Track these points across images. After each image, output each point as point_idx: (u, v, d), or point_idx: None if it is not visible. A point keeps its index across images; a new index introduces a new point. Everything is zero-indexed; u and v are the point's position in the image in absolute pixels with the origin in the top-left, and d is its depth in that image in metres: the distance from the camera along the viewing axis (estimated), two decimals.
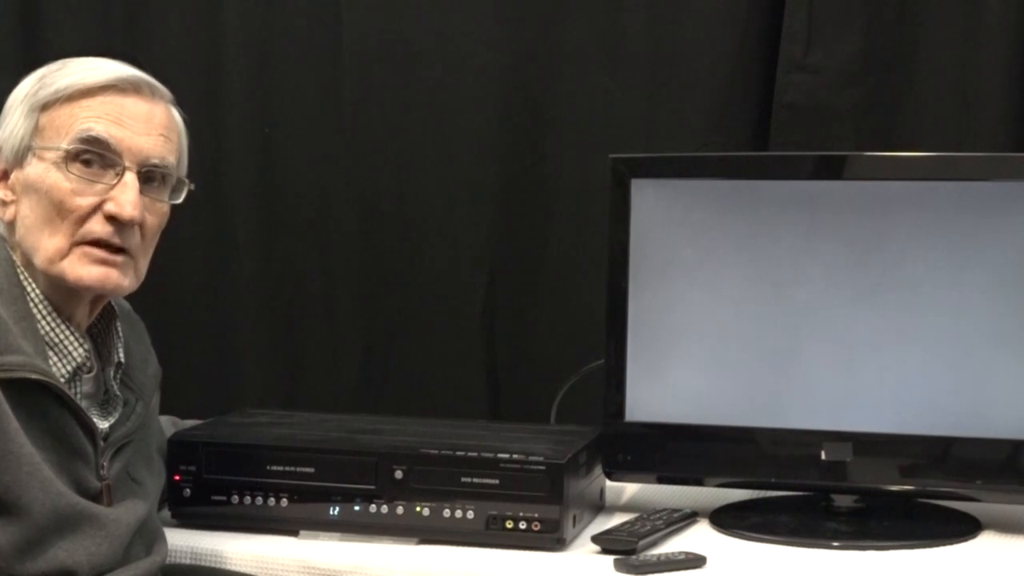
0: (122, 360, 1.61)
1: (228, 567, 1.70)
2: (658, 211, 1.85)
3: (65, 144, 1.51)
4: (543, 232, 2.31)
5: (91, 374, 1.56)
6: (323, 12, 2.37)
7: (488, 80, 2.30)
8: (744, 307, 1.83)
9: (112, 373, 1.60)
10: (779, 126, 2.14)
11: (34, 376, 1.45)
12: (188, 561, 1.71)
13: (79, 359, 1.54)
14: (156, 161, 1.54)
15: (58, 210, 1.50)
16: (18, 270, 1.52)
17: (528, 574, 1.65)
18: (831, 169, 1.84)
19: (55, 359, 1.52)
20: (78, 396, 1.53)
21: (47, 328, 1.52)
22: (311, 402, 2.37)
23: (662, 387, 1.85)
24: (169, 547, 1.65)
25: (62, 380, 1.51)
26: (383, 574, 1.66)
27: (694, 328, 1.84)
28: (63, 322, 1.53)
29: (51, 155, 1.51)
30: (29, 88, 1.54)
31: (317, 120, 2.39)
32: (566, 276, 2.29)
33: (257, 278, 2.42)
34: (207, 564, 1.71)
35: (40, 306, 1.52)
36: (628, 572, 1.62)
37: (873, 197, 1.79)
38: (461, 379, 2.34)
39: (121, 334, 1.62)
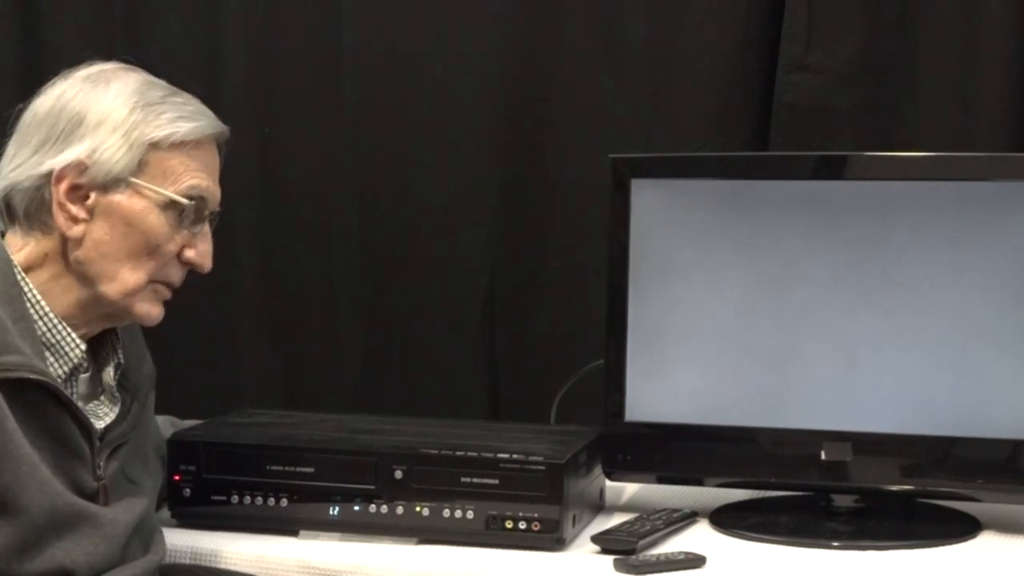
0: (122, 360, 1.62)
1: (228, 567, 1.70)
2: (658, 211, 1.85)
3: (175, 194, 1.54)
4: (543, 232, 2.31)
5: (87, 375, 1.57)
6: (323, 12, 2.37)
7: (488, 80, 2.30)
8: (744, 307, 1.83)
9: (112, 373, 1.60)
10: (779, 126, 2.14)
11: (32, 376, 1.45)
12: (188, 561, 1.71)
13: (76, 360, 1.54)
14: (218, 208, 1.61)
15: (148, 250, 1.53)
16: (15, 270, 1.52)
17: (528, 574, 1.65)
18: (831, 169, 1.84)
19: (52, 359, 1.52)
20: (74, 396, 1.53)
21: (44, 328, 1.52)
22: (311, 402, 2.37)
23: (662, 387, 1.85)
24: (169, 547, 1.65)
25: (59, 380, 1.51)
26: (383, 574, 1.66)
27: (694, 328, 1.84)
28: (60, 323, 1.53)
29: (155, 197, 1.53)
30: (127, 115, 1.52)
31: (317, 120, 2.39)
32: (566, 276, 2.29)
33: (257, 278, 2.42)
34: (207, 564, 1.71)
35: (37, 307, 1.52)
36: (628, 572, 1.62)
37: (873, 197, 1.79)
38: (461, 379, 2.34)
39: (119, 334, 1.63)
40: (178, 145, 1.54)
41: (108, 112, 1.53)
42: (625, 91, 2.24)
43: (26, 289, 1.52)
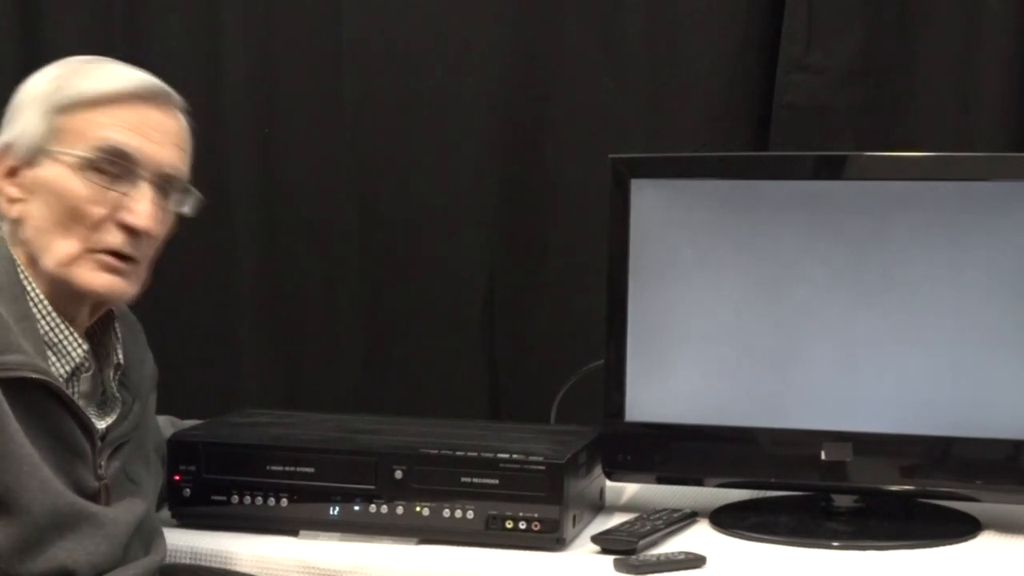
0: (121, 361, 1.61)
1: (228, 567, 1.70)
2: (658, 211, 1.85)
3: (84, 151, 1.50)
4: (543, 232, 2.31)
5: (89, 374, 1.56)
6: (323, 12, 2.37)
7: (488, 80, 2.30)
8: (744, 307, 1.83)
9: (111, 374, 1.60)
10: (779, 126, 2.14)
11: (34, 375, 1.45)
12: (188, 561, 1.71)
13: (78, 359, 1.54)
14: (170, 171, 1.55)
15: (72, 216, 1.50)
16: (18, 269, 1.52)
17: (528, 574, 1.65)
18: (831, 169, 1.84)
19: (54, 359, 1.52)
20: (76, 396, 1.53)
21: (46, 328, 1.52)
22: (311, 402, 2.37)
23: (662, 387, 1.85)
24: (169, 547, 1.65)
25: (61, 380, 1.50)
26: (383, 574, 1.66)
27: (694, 328, 1.84)
28: (62, 322, 1.53)
29: (68, 160, 1.51)
30: (44, 87, 1.53)
31: (317, 120, 2.39)
32: (566, 276, 2.29)
33: (257, 278, 2.42)
34: (207, 564, 1.71)
35: (40, 306, 1.52)
36: (628, 572, 1.62)
37: (873, 197, 1.79)
38: (461, 379, 2.34)
39: (119, 335, 1.62)
40: (88, 104, 1.52)
41: (33, 91, 1.54)
42: (625, 91, 2.24)
43: (29, 288, 1.52)
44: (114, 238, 1.51)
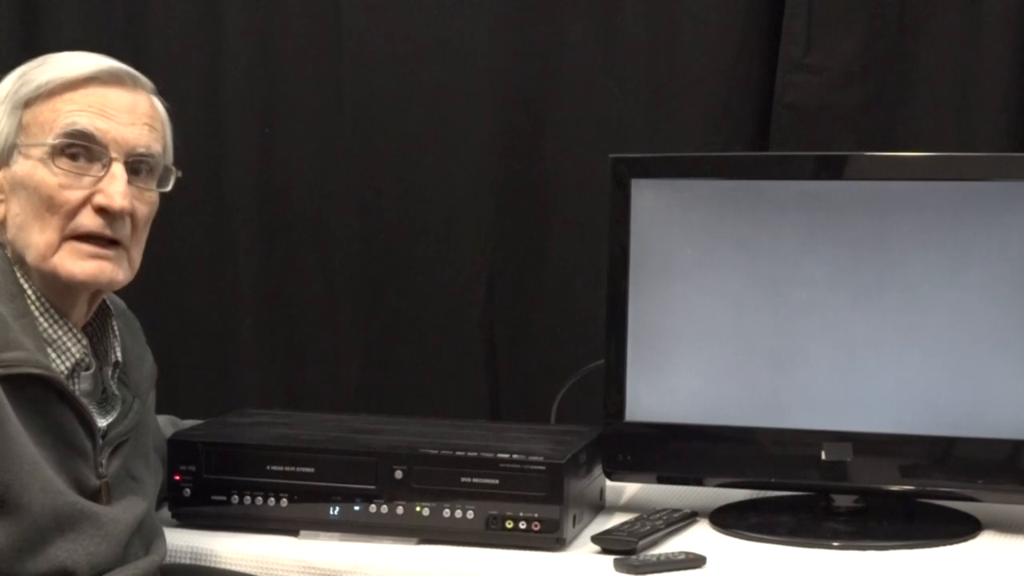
0: (120, 359, 1.61)
1: (228, 567, 1.70)
2: (658, 211, 1.85)
3: (50, 139, 1.50)
4: (543, 232, 2.31)
5: (89, 372, 1.56)
6: (323, 12, 2.37)
7: (488, 80, 2.30)
8: (744, 307, 1.83)
9: (110, 373, 1.60)
10: (779, 126, 2.14)
11: (36, 371, 1.45)
12: (188, 561, 1.71)
13: (77, 355, 1.54)
14: (142, 150, 1.54)
15: (47, 206, 1.50)
16: (15, 268, 1.52)
17: (528, 574, 1.65)
18: (831, 169, 1.84)
19: (54, 356, 1.52)
20: (77, 393, 1.53)
21: (45, 325, 1.52)
22: (311, 402, 2.37)
23: (662, 387, 1.85)
24: (169, 547, 1.65)
25: (62, 376, 1.50)
26: (383, 574, 1.66)
27: (694, 328, 1.84)
28: (60, 319, 1.53)
29: (37, 151, 1.51)
30: (10, 87, 1.54)
31: (317, 120, 2.39)
32: (566, 276, 2.29)
33: (257, 278, 2.42)
34: (207, 564, 1.71)
35: (37, 303, 1.52)
36: (628, 572, 1.62)
37: (873, 197, 1.79)
38: (461, 379, 2.34)
39: (117, 333, 1.62)
40: (48, 94, 1.52)
41: (1, 92, 1.54)
42: (625, 91, 2.24)
43: (26, 286, 1.52)
44: (91, 221, 1.51)
